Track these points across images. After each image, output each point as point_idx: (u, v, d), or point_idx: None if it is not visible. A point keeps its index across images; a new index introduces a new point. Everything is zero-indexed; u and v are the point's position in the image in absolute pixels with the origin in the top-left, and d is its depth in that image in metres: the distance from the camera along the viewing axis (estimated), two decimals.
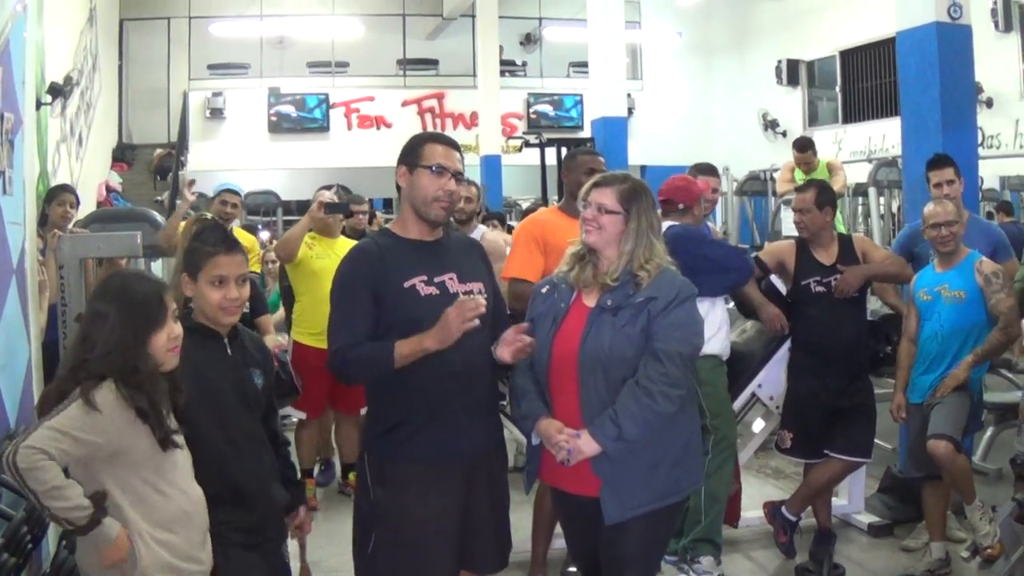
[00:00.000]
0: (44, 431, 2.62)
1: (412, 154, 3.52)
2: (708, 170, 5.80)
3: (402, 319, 3.37)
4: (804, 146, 10.12)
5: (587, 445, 3.31)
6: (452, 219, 6.74)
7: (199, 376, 3.13)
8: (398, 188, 3.57)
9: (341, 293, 3.47)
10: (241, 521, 3.21)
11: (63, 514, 2.65)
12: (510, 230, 8.86)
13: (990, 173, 12.73)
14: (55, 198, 6.34)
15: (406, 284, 3.41)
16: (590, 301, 3.47)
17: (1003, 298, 5.02)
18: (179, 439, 2.89)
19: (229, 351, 3.31)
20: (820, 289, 5.26)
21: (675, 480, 3.43)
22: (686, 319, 3.39)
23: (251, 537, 3.25)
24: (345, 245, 6.38)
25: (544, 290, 3.62)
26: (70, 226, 6.56)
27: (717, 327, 4.99)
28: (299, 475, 3.49)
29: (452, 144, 3.59)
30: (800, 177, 9.67)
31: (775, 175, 12.95)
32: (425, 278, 3.44)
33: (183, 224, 6.61)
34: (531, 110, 20.96)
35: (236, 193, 6.99)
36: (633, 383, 3.30)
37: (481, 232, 6.79)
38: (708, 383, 4.87)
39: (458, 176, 3.52)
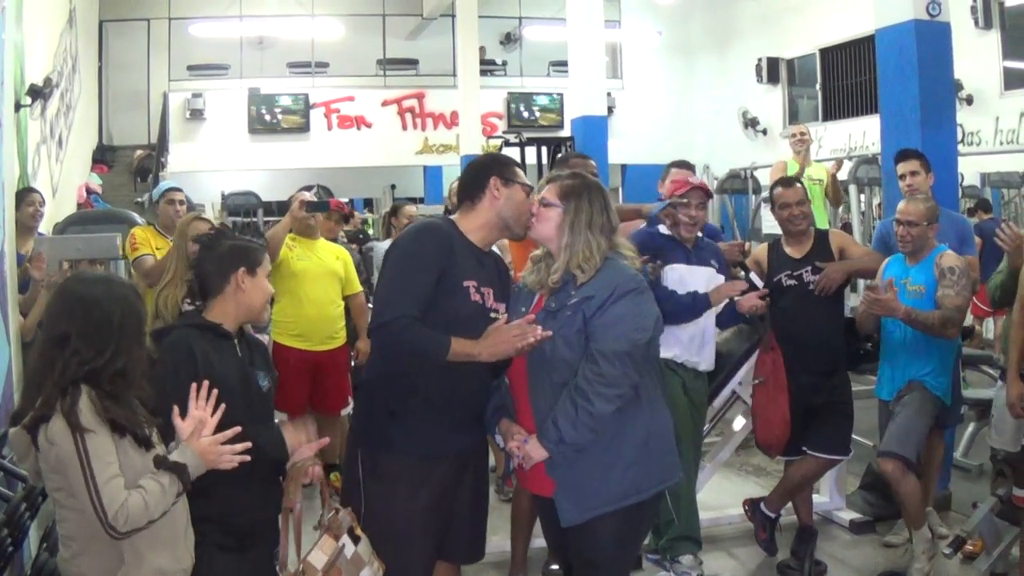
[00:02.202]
0: (104, 490, 2.62)
1: (509, 170, 3.57)
2: (679, 164, 5.60)
3: (444, 313, 3.36)
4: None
5: (534, 450, 3.34)
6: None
7: (213, 374, 3.11)
8: (472, 193, 3.55)
9: (410, 263, 3.42)
10: (229, 525, 3.20)
11: (176, 496, 2.75)
12: None
13: (970, 170, 12.74)
14: (23, 200, 6.45)
15: (464, 283, 3.42)
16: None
17: (951, 295, 4.96)
18: (154, 436, 2.86)
19: (239, 351, 3.33)
20: (791, 283, 5.29)
21: (634, 480, 3.38)
22: (624, 315, 3.31)
23: (238, 540, 3.24)
24: (325, 247, 6.36)
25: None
26: (40, 225, 6.62)
27: (688, 340, 4.90)
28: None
29: None
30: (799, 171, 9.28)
31: (755, 173, 12.96)
32: (476, 284, 3.46)
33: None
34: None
35: (180, 190, 6.97)
36: (571, 386, 3.29)
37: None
38: None
39: None
